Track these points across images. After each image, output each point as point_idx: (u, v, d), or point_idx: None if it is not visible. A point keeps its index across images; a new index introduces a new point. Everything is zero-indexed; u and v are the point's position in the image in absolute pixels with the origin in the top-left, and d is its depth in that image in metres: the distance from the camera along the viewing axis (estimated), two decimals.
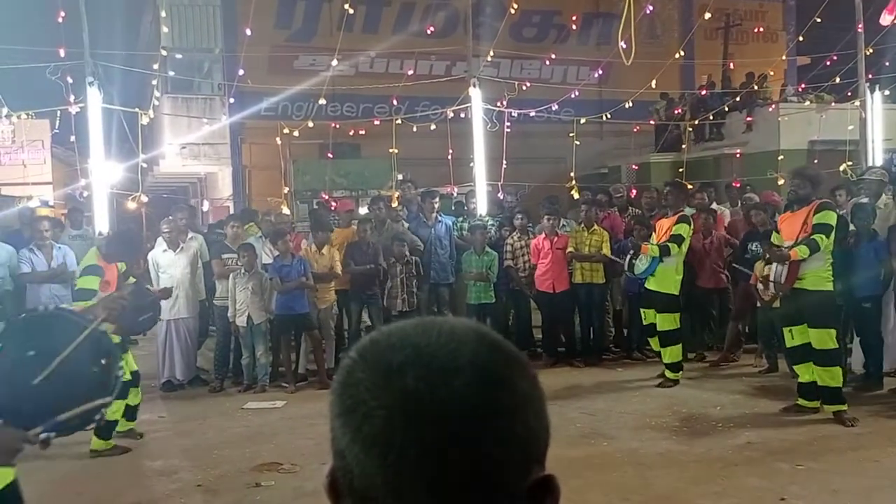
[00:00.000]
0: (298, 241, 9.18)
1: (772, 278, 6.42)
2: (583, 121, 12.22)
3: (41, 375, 2.45)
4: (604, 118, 12.90)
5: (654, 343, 8.06)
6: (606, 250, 8.70)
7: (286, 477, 5.36)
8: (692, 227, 7.86)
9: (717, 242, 8.82)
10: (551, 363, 8.81)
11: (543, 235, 8.87)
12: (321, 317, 8.50)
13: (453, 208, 10.47)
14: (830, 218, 6.19)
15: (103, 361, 2.63)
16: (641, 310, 8.05)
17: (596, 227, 8.87)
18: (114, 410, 5.86)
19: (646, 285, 7.86)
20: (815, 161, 13.83)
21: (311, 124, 11.88)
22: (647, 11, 12.11)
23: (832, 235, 6.18)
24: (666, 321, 7.67)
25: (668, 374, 7.73)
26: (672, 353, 7.69)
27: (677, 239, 7.58)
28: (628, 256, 7.97)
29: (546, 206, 9.22)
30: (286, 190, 13.11)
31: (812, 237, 6.08)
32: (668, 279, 7.66)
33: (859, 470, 5.22)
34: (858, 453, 5.54)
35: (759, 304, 7.75)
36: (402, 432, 0.69)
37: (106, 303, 2.71)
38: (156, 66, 11.43)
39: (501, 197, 10.91)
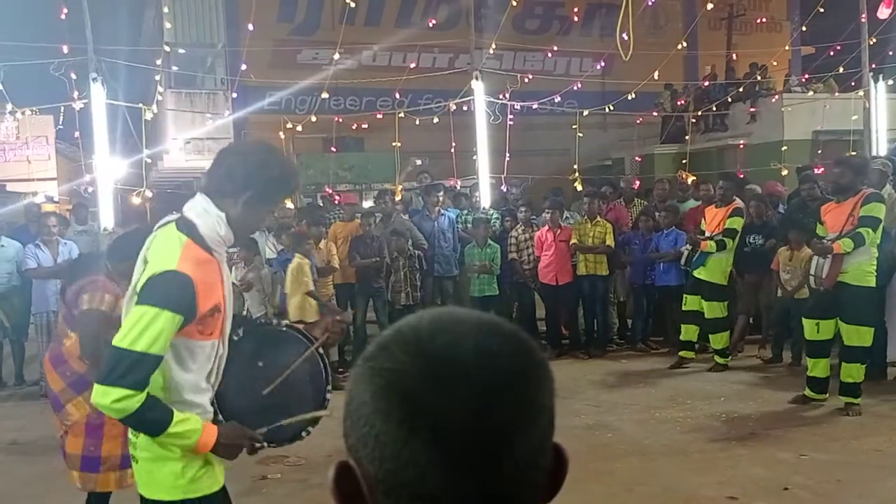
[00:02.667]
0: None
1: (812, 272, 6.26)
2: (586, 113, 12.21)
3: (269, 387, 2.53)
4: (607, 110, 12.89)
5: (685, 330, 8.09)
6: (610, 242, 8.71)
7: (292, 470, 5.40)
8: (745, 219, 7.92)
9: None
10: (555, 355, 8.83)
11: (546, 228, 8.88)
12: None
13: (450, 202, 10.43)
14: (879, 210, 5.97)
15: (319, 380, 2.70)
16: (685, 296, 8.07)
17: (599, 218, 8.88)
18: None
19: (695, 274, 7.92)
20: (820, 151, 13.84)
21: (314, 118, 11.90)
22: (650, 2, 12.10)
23: (880, 229, 6.00)
24: (714, 309, 7.79)
25: (718, 359, 7.92)
26: (721, 339, 7.89)
27: (731, 233, 7.68)
28: (686, 253, 8.08)
29: (548, 198, 9.25)
30: None
31: (858, 230, 5.88)
32: (718, 269, 7.78)
33: (863, 459, 5.24)
34: (862, 442, 5.56)
35: (779, 294, 7.76)
36: (449, 403, 0.70)
37: (326, 325, 2.77)
38: (159, 62, 11.44)
39: (505, 190, 10.91)
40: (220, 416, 2.43)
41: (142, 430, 2.25)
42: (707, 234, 7.89)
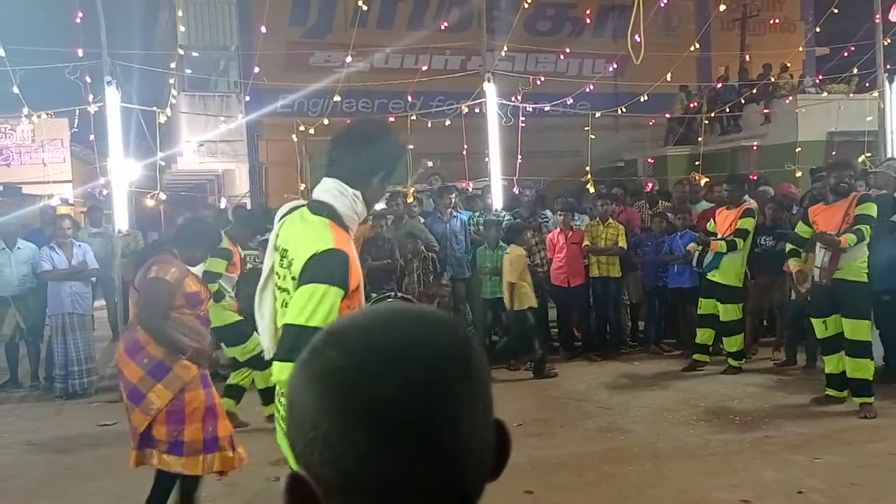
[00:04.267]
0: None
1: (817, 264, 6.42)
2: (598, 114, 12.18)
3: None
4: (619, 112, 12.85)
5: (701, 333, 8.05)
6: (623, 243, 8.71)
7: None
8: (756, 219, 7.92)
9: None
10: (568, 357, 8.82)
11: (558, 230, 8.88)
12: None
13: (463, 204, 10.42)
14: (872, 210, 6.24)
15: None
16: (700, 299, 8.06)
17: (611, 220, 8.87)
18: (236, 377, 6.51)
19: (708, 277, 7.91)
20: (834, 153, 13.74)
21: (326, 121, 11.93)
22: (662, 4, 12.05)
23: (872, 227, 6.23)
24: (729, 312, 7.79)
25: (732, 361, 7.90)
26: (735, 342, 7.88)
27: (743, 233, 7.68)
28: (696, 253, 8.05)
29: (559, 201, 9.26)
30: (302, 186, 13.17)
31: (859, 227, 6.12)
32: (732, 271, 7.77)
33: (877, 463, 5.20)
34: (876, 446, 5.52)
35: (793, 297, 7.73)
36: (390, 394, 0.72)
37: (433, 293, 2.98)
38: (173, 65, 11.50)
39: (517, 192, 10.90)
40: None
41: None
42: (718, 235, 7.86)
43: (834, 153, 13.71)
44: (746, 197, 8.01)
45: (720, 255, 7.75)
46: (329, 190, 2.47)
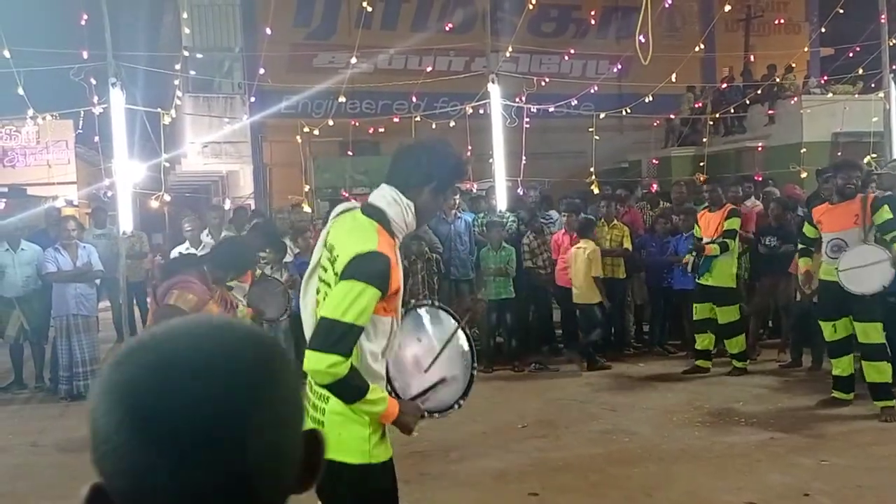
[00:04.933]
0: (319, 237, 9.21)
1: (839, 267, 6.26)
2: (602, 115, 12.17)
3: (429, 363, 2.80)
4: (623, 113, 12.84)
5: (700, 339, 8.01)
6: (627, 244, 8.70)
7: None
8: (741, 218, 7.91)
9: None
10: (572, 358, 8.80)
11: (563, 231, 8.87)
12: None
13: (467, 205, 10.41)
14: (889, 213, 6.16)
15: (465, 361, 2.92)
16: (695, 305, 8.00)
17: (616, 221, 8.85)
18: None
19: (701, 281, 7.85)
20: (839, 153, 13.70)
21: (330, 122, 11.94)
22: (667, 5, 12.03)
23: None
24: (727, 314, 7.75)
25: (736, 363, 7.87)
26: (737, 343, 7.84)
27: (731, 234, 7.67)
28: (692, 258, 7.98)
29: (565, 202, 9.24)
30: (307, 188, 13.18)
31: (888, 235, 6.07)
32: (725, 273, 7.74)
33: (884, 465, 5.18)
34: (883, 449, 5.49)
35: (798, 299, 7.70)
36: (177, 406, 0.72)
37: (468, 304, 3.08)
38: (177, 67, 11.52)
39: (522, 193, 10.90)
40: (391, 386, 2.65)
41: (345, 395, 2.44)
42: (706, 239, 7.82)
43: (839, 154, 13.68)
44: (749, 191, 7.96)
45: (711, 258, 7.69)
46: (385, 196, 2.59)
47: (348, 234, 2.53)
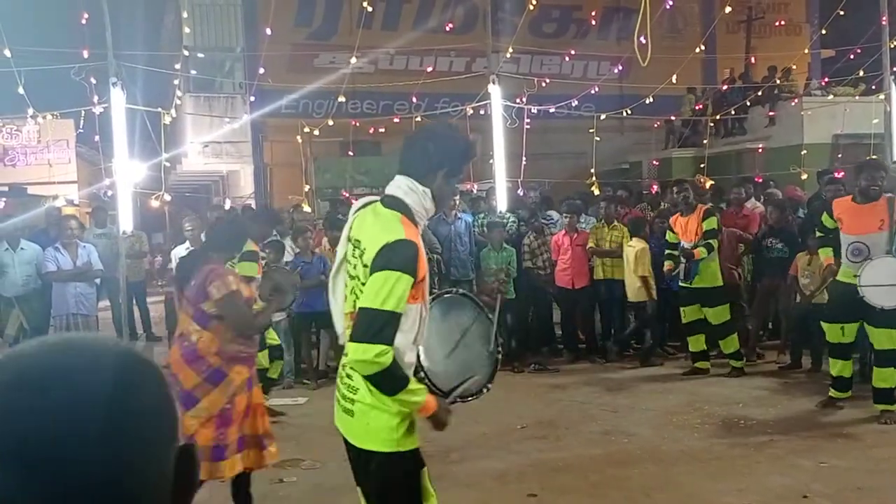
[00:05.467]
0: (320, 238, 9.22)
1: (859, 279, 6.08)
2: (603, 116, 12.16)
3: (451, 347, 2.89)
4: (624, 113, 12.84)
5: (693, 341, 8.00)
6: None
7: (308, 473, 5.41)
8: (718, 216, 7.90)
9: (727, 240, 8.66)
10: (572, 359, 8.80)
11: (563, 232, 8.87)
12: None
13: (467, 206, 10.41)
14: None
15: (490, 347, 2.99)
16: (682, 308, 7.97)
17: (616, 222, 8.85)
18: (273, 369, 6.94)
19: (692, 285, 7.79)
20: (840, 155, 13.71)
21: (331, 122, 11.94)
22: (668, 6, 12.03)
23: None
24: (718, 315, 7.74)
25: (734, 363, 7.84)
26: (732, 343, 7.81)
27: (712, 234, 7.65)
28: (683, 265, 7.87)
29: (566, 203, 9.23)
30: (307, 188, 13.18)
31: None
32: (711, 273, 7.73)
33: (884, 467, 5.17)
34: (883, 451, 5.49)
35: (798, 300, 7.67)
36: (21, 427, 0.72)
37: (491, 290, 3.21)
38: (178, 66, 11.52)
39: (522, 193, 10.90)
40: (422, 373, 2.71)
41: (387, 385, 2.48)
42: (684, 242, 7.78)
43: (840, 156, 13.68)
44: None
45: (698, 261, 7.63)
46: (401, 187, 2.65)
47: (373, 226, 2.59)
